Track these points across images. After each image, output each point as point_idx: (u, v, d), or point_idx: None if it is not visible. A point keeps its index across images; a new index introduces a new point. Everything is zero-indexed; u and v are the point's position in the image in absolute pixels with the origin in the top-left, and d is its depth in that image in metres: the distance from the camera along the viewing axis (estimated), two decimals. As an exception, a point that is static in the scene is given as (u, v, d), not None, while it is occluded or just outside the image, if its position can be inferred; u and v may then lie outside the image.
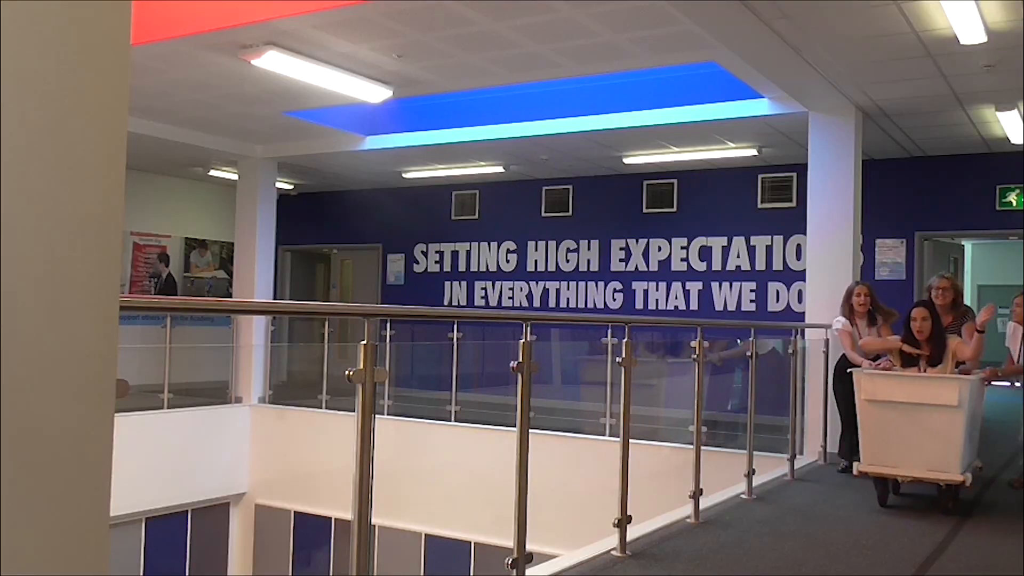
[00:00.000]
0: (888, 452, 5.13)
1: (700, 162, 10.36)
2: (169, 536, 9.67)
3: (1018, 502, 5.53)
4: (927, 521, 5.04)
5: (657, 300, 11.16)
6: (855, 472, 5.23)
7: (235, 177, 11.72)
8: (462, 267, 12.62)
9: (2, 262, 1.06)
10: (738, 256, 10.70)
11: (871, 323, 6.36)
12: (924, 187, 9.71)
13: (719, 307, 10.77)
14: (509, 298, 12.17)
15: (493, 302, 12.25)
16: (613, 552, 4.11)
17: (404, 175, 12.07)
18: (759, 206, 10.55)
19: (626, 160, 10.50)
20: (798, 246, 10.12)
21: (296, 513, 10.00)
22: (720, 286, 10.80)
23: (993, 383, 5.97)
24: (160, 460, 9.16)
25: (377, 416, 2.65)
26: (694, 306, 10.95)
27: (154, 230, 13.00)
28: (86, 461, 1.17)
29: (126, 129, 1.21)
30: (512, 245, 12.23)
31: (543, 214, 11.97)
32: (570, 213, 11.83)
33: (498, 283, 12.30)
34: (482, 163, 11.22)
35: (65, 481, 1.15)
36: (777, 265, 10.42)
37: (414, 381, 11.25)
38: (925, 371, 5.28)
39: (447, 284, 12.71)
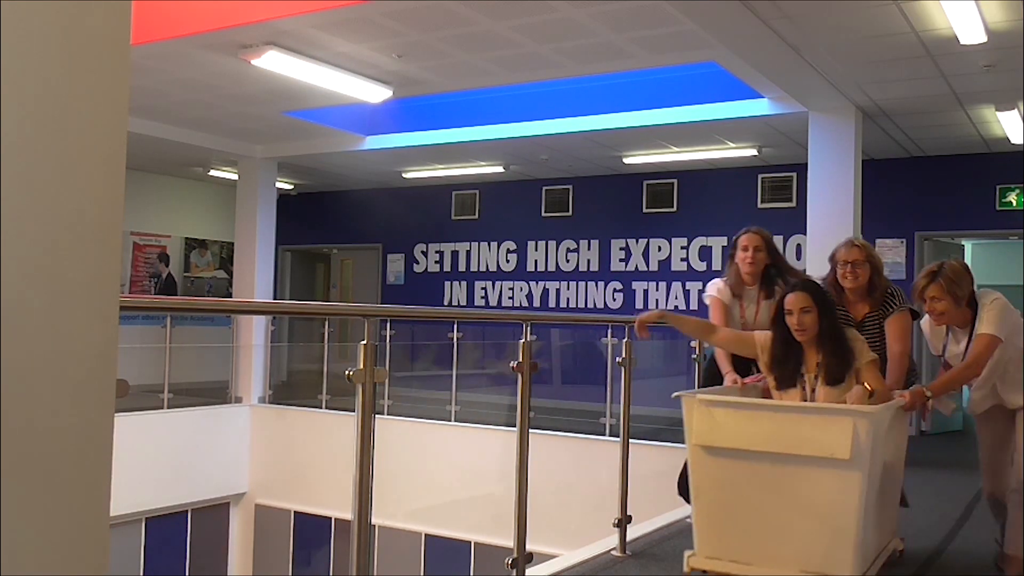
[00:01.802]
0: (736, 536, 3.21)
1: (700, 162, 10.35)
2: (169, 536, 9.67)
3: None
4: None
5: (657, 300, 11.16)
6: (685, 568, 3.34)
7: (235, 177, 11.72)
8: (462, 267, 12.62)
9: (2, 262, 1.06)
10: (738, 256, 10.69)
11: (769, 295, 4.13)
12: (924, 187, 9.71)
13: (719, 307, 10.76)
14: (509, 298, 12.16)
15: (493, 302, 12.25)
16: (613, 552, 4.12)
17: (404, 175, 12.07)
18: (759, 206, 10.55)
19: (626, 160, 10.50)
20: (798, 246, 10.11)
21: (296, 513, 10.00)
22: (720, 286, 10.79)
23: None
24: (160, 460, 9.16)
25: (377, 416, 2.65)
26: (694, 306, 10.95)
27: (154, 230, 13.00)
28: (86, 461, 1.17)
29: (126, 129, 1.21)
30: (512, 245, 12.22)
31: (543, 214, 11.96)
32: (570, 213, 11.82)
33: (498, 283, 12.30)
34: (482, 163, 11.22)
35: (65, 481, 1.15)
36: (777, 265, 10.41)
37: (414, 381, 11.25)
38: (813, 395, 3.43)
39: (447, 284, 12.70)
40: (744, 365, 4.00)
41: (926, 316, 3.79)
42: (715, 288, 4.29)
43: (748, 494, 3.19)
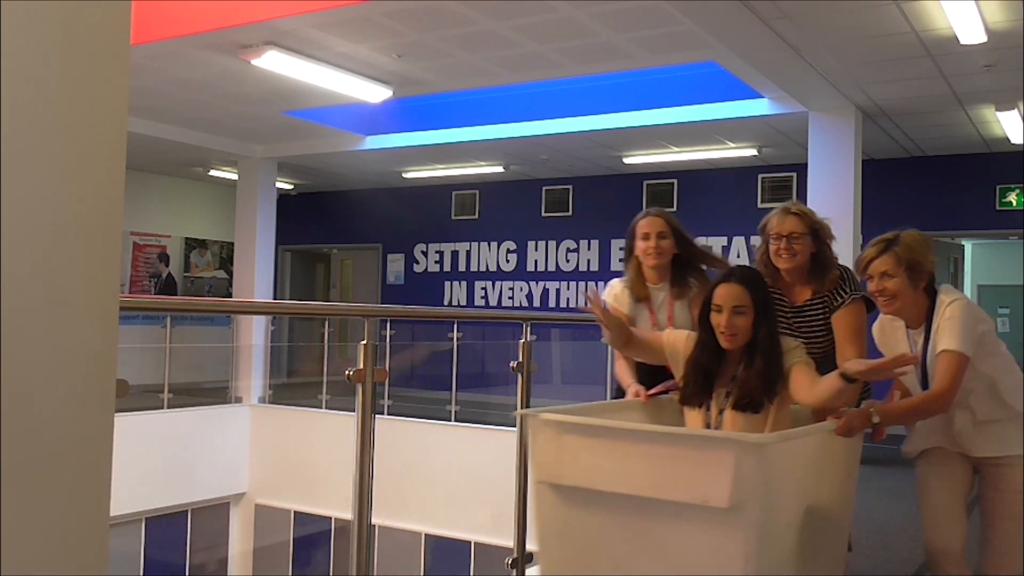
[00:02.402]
0: None
1: (700, 162, 10.36)
2: (169, 536, 9.67)
3: None
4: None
5: (657, 300, 11.16)
6: None
7: (235, 177, 11.72)
8: (462, 267, 12.62)
9: (2, 262, 1.06)
10: (738, 256, 10.70)
11: (681, 293, 3.27)
12: (924, 187, 9.71)
13: (719, 307, 10.76)
14: (509, 298, 12.17)
15: (493, 302, 12.25)
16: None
17: (404, 175, 12.07)
18: (759, 206, 10.55)
19: (626, 160, 10.50)
20: (798, 246, 10.11)
21: (296, 513, 10.00)
22: (720, 286, 10.79)
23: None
24: (160, 460, 9.16)
25: (377, 416, 2.65)
26: (694, 306, 10.95)
27: (154, 230, 13.00)
28: (86, 461, 1.17)
29: (126, 129, 1.21)
30: (512, 245, 12.22)
31: (543, 214, 11.97)
32: (570, 213, 11.82)
33: (498, 283, 12.30)
34: (482, 163, 11.22)
35: (65, 481, 1.15)
36: (777, 265, 10.42)
37: (414, 381, 11.25)
38: (720, 419, 2.65)
39: (447, 284, 12.70)
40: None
41: (879, 319, 2.92)
42: (611, 294, 3.36)
43: (606, 552, 2.35)
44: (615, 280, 3.46)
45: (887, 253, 2.73)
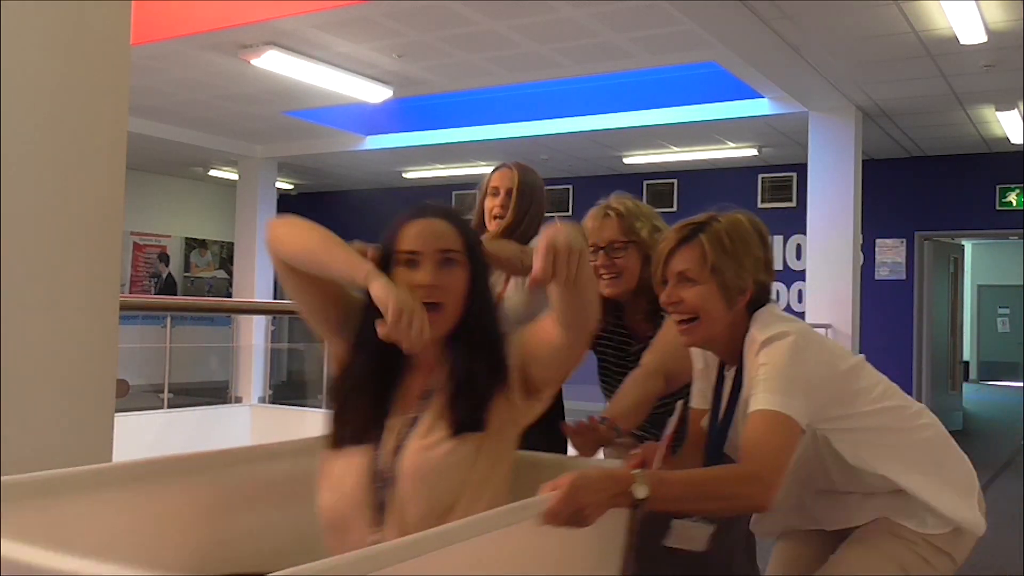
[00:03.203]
0: None
1: (700, 162, 10.36)
2: (169, 536, 9.67)
3: None
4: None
5: (657, 300, 11.15)
6: None
7: (235, 177, 11.73)
8: (462, 267, 12.62)
9: (3, 262, 1.06)
10: (738, 256, 10.70)
11: (523, 270, 2.27)
12: (924, 187, 9.71)
13: (719, 307, 10.76)
14: (509, 298, 12.16)
15: (493, 302, 12.23)
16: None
17: (404, 175, 12.07)
18: (759, 206, 10.55)
19: (626, 160, 10.50)
20: (798, 246, 10.11)
21: (296, 513, 9.99)
22: (720, 286, 10.79)
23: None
24: (160, 460, 9.15)
25: (377, 416, 2.64)
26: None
27: (154, 230, 13.00)
28: (86, 461, 1.17)
29: (126, 129, 1.21)
30: (512, 245, 12.22)
31: (543, 214, 11.96)
32: (570, 213, 11.81)
33: (498, 283, 12.30)
34: (482, 163, 11.21)
35: (65, 481, 1.15)
36: (777, 265, 10.43)
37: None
38: (395, 464, 1.42)
39: (447, 284, 12.70)
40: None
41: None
42: None
43: None
44: None
45: (689, 243, 1.73)
